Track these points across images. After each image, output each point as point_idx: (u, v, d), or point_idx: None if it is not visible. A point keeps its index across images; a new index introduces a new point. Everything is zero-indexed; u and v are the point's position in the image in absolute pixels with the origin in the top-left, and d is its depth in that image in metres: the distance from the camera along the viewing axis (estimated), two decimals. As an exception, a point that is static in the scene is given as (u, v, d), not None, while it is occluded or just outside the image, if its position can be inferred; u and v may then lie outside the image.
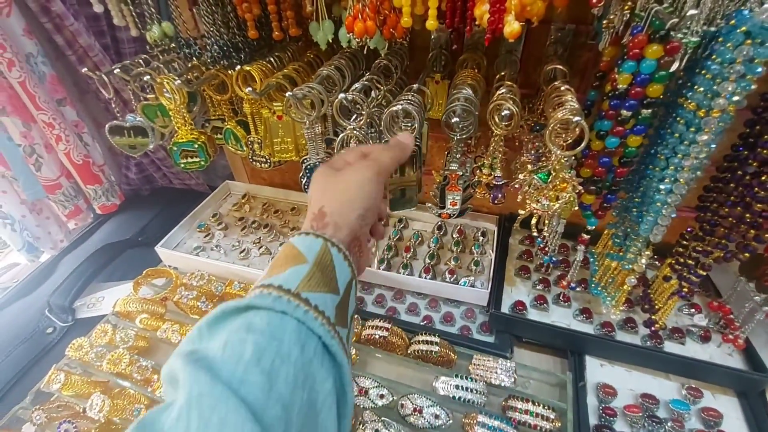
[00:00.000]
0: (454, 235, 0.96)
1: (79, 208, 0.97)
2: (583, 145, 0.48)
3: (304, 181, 0.70)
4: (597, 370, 0.75)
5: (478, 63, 0.71)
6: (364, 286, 0.91)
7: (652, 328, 0.70)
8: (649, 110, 0.48)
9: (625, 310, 0.77)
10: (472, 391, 0.68)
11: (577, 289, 0.81)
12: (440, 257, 0.93)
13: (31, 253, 0.96)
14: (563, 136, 0.53)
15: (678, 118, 0.51)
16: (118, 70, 0.63)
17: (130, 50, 0.95)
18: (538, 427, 0.64)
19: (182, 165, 0.71)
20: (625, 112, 0.48)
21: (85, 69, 0.63)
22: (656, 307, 0.70)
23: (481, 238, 0.95)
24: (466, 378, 0.70)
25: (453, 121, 0.52)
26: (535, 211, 0.53)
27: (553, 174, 0.51)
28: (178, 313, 0.86)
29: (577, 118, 0.46)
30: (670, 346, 0.74)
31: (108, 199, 0.98)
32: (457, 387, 0.68)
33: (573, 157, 0.53)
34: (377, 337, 0.75)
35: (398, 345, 0.76)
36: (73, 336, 0.82)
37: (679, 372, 0.74)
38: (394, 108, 0.52)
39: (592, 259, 0.80)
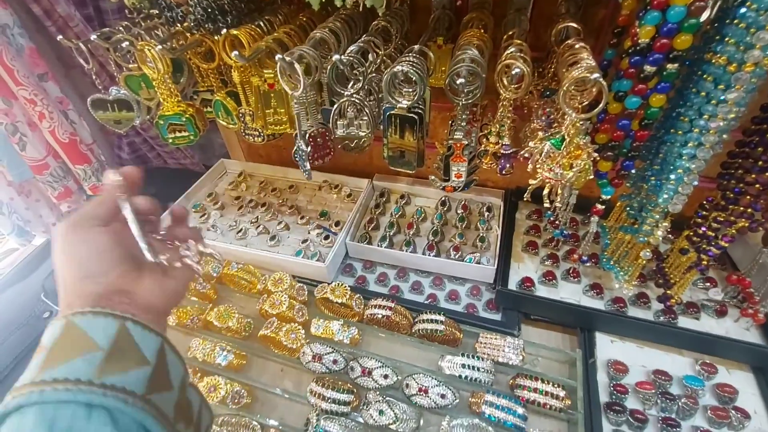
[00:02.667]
0: (459, 211, 0.93)
1: (69, 189, 0.94)
2: (602, 105, 0.43)
3: (296, 158, 0.66)
4: (608, 347, 0.73)
5: (485, 23, 0.65)
6: (366, 264, 0.89)
7: (668, 303, 0.67)
8: (675, 65, 0.43)
9: (638, 285, 0.74)
10: (478, 369, 0.66)
11: (588, 264, 0.78)
12: (444, 234, 0.89)
13: (21, 237, 0.93)
14: (578, 97, 0.49)
15: (705, 75, 0.46)
16: (95, 37, 0.58)
17: (115, 21, 0.90)
18: (548, 406, 0.62)
19: (170, 140, 0.67)
20: (648, 68, 0.43)
21: (61, 37, 0.58)
22: (671, 281, 0.66)
23: (487, 213, 0.91)
24: (473, 357, 0.67)
25: (458, 82, 0.48)
26: (547, 180, 0.49)
27: (568, 140, 0.47)
28: (175, 295, 0.83)
29: (595, 75, 0.41)
30: (684, 321, 0.72)
31: (99, 180, 0.94)
32: (463, 366, 0.66)
33: (588, 122, 0.49)
34: (380, 316, 0.73)
35: (402, 324, 0.73)
36: (68, 320, 0.80)
37: (692, 347, 0.71)
38: (396, 69, 0.47)
39: (603, 233, 0.76)
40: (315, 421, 0.62)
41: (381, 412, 0.61)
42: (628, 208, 0.65)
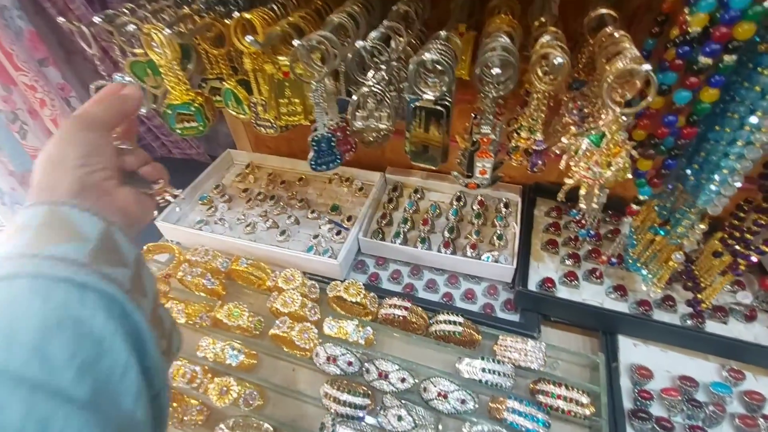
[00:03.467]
0: (475, 207, 0.90)
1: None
2: (650, 98, 0.40)
3: (310, 156, 0.62)
4: (630, 350, 0.70)
5: (512, 9, 0.61)
6: (378, 261, 0.86)
7: (698, 308, 0.64)
8: (733, 56, 0.40)
9: (664, 287, 0.71)
10: (499, 374, 0.63)
11: (606, 265, 0.75)
12: (460, 230, 0.86)
13: (23, 228, 0.90)
14: (619, 91, 0.45)
15: (761, 68, 0.42)
16: (99, 19, 0.54)
17: (118, 3, 0.86)
18: (572, 413, 0.60)
19: (178, 130, 0.64)
20: (704, 59, 0.40)
21: (61, 18, 0.55)
22: (701, 284, 0.64)
23: (504, 209, 0.88)
24: (493, 360, 0.65)
25: (494, 72, 0.44)
26: (584, 180, 0.46)
27: (609, 136, 0.44)
28: (182, 290, 0.81)
29: (645, 67, 0.38)
30: (712, 326, 0.69)
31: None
32: (483, 370, 0.64)
33: (630, 117, 0.45)
34: (396, 316, 0.70)
35: (418, 325, 0.71)
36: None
37: (719, 353, 0.68)
38: (426, 56, 0.44)
39: (629, 233, 0.73)
40: (330, 426, 0.59)
41: (399, 418, 0.59)
42: (659, 208, 0.61)
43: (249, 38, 0.48)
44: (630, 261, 0.70)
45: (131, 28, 0.53)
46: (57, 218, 0.29)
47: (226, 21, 0.57)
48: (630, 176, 0.48)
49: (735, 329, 0.69)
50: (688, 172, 0.53)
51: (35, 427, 0.22)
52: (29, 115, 0.80)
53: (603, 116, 0.47)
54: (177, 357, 0.47)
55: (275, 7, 0.59)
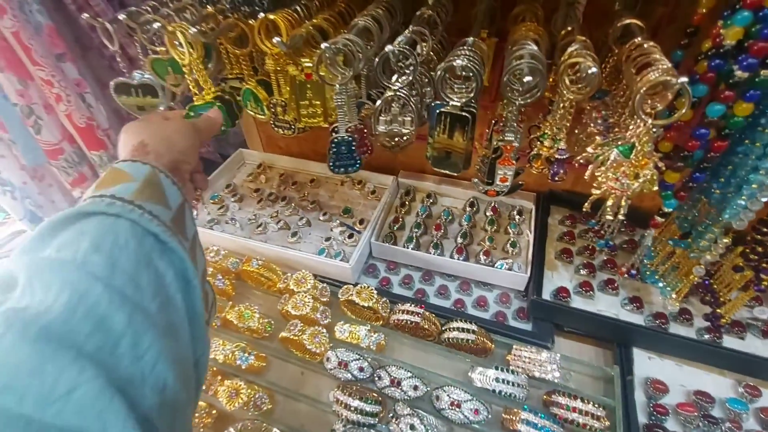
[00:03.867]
0: (488, 213, 0.89)
1: (84, 175, 0.90)
2: (684, 110, 0.39)
3: (330, 157, 0.62)
4: (645, 364, 0.69)
5: (535, 16, 0.61)
6: (390, 265, 0.85)
7: (717, 323, 0.63)
8: (771, 71, 0.39)
9: (682, 301, 0.70)
10: (513, 384, 0.63)
11: (625, 276, 0.74)
12: (473, 237, 0.86)
13: (33, 222, 0.90)
14: (649, 102, 0.45)
15: (795, 83, 0.42)
16: (123, 16, 0.54)
17: (136, 3, 0.86)
18: (587, 426, 0.59)
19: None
20: (740, 73, 0.39)
21: (86, 15, 0.54)
22: (720, 299, 0.63)
23: (518, 216, 0.88)
24: (506, 370, 0.64)
25: (525, 80, 0.44)
26: (612, 191, 0.45)
27: (638, 147, 0.43)
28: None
29: (682, 79, 0.37)
30: (729, 341, 0.68)
31: (115, 167, 0.91)
32: (496, 380, 0.63)
33: (661, 129, 0.45)
34: (408, 322, 0.69)
35: (430, 331, 0.70)
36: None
37: (735, 368, 0.68)
38: (456, 62, 0.43)
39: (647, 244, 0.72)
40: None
41: (412, 427, 0.58)
42: (680, 220, 0.61)
43: (276, 40, 0.47)
44: (647, 273, 0.69)
45: (156, 26, 0.53)
46: (156, 181, 0.34)
47: (250, 21, 0.57)
48: (656, 188, 0.48)
49: (752, 344, 0.68)
50: (715, 185, 0.52)
51: (132, 337, 0.26)
52: (44, 110, 0.79)
53: (631, 127, 0.46)
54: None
55: (299, 9, 0.59)
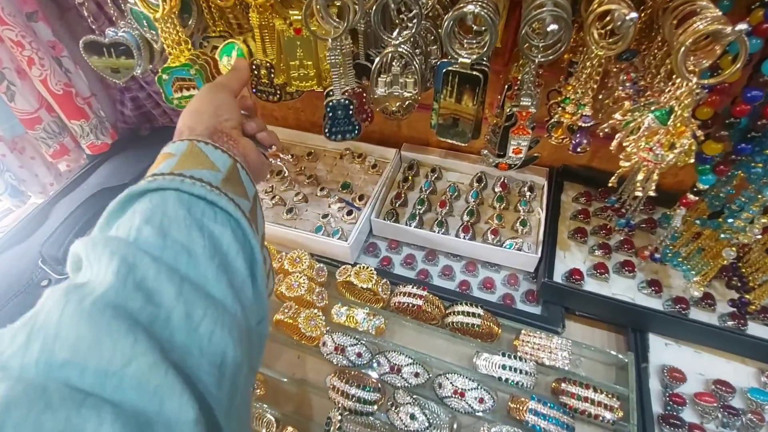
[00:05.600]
0: (496, 189, 0.83)
1: (66, 147, 0.85)
2: (739, 65, 0.33)
3: (326, 123, 0.56)
4: (661, 350, 0.65)
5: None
6: (391, 244, 0.80)
7: (746, 310, 0.58)
8: None
9: (705, 285, 0.65)
10: (520, 371, 0.59)
11: (647, 261, 0.69)
12: (480, 214, 0.80)
13: (15, 197, 0.85)
14: (692, 59, 0.38)
15: None
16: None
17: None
18: (600, 417, 0.55)
19: (175, 101, 0.57)
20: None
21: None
22: (749, 284, 0.58)
23: (528, 193, 0.82)
24: (513, 357, 0.60)
25: (550, 29, 0.37)
26: (645, 162, 0.40)
27: (679, 112, 0.37)
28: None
29: (741, 26, 0.31)
30: (754, 328, 0.63)
31: (97, 137, 0.85)
32: (503, 367, 0.59)
33: (705, 91, 0.38)
34: (410, 305, 0.65)
35: (433, 315, 0.66)
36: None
37: (759, 356, 0.63)
38: (466, 9, 0.37)
39: (667, 222, 0.67)
40: (337, 422, 0.55)
41: (412, 417, 0.55)
42: (711, 198, 0.55)
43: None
44: (669, 255, 0.64)
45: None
46: (196, 151, 0.34)
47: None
48: (691, 160, 0.42)
49: (778, 331, 0.63)
50: (756, 158, 0.46)
51: (183, 309, 0.26)
52: (17, 75, 0.73)
53: (668, 89, 0.40)
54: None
55: (287, -46, 0.51)
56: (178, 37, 0.54)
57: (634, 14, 0.36)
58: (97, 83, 0.94)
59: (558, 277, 0.69)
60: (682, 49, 0.35)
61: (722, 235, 0.54)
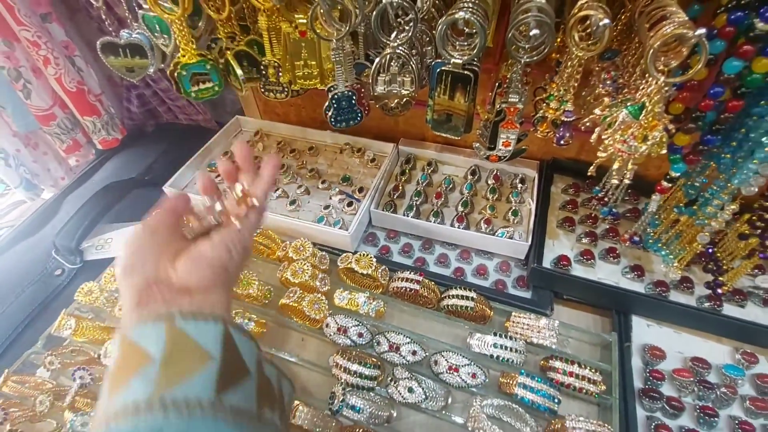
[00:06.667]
0: (490, 182, 0.87)
1: (78, 142, 0.89)
2: (700, 66, 0.37)
3: (329, 114, 0.60)
4: (643, 331, 0.70)
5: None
6: (390, 234, 0.85)
7: (719, 291, 0.63)
8: (795, 22, 0.37)
9: (683, 269, 0.70)
10: (510, 349, 0.63)
11: (627, 244, 0.73)
12: (474, 205, 0.84)
13: (29, 190, 0.89)
14: (662, 59, 0.42)
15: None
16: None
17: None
18: (583, 390, 0.60)
19: (193, 94, 0.61)
20: (762, 25, 0.36)
21: (65, -34, 0.51)
22: (723, 267, 0.62)
23: (520, 185, 0.86)
24: (504, 336, 0.64)
25: (532, 34, 0.41)
26: (619, 153, 0.44)
27: (649, 107, 0.41)
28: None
29: (700, 31, 0.35)
30: (729, 309, 0.68)
31: (108, 133, 0.89)
32: (494, 345, 0.63)
33: (673, 88, 0.42)
34: (407, 289, 0.69)
35: (429, 299, 0.70)
36: (82, 279, 0.77)
37: (733, 336, 0.68)
38: (458, 15, 0.41)
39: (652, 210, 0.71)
40: (341, 395, 0.60)
41: (410, 390, 0.59)
42: (687, 187, 0.59)
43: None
44: (650, 241, 0.68)
45: (139, -22, 0.50)
46: (179, 339, 0.27)
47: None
48: (664, 151, 0.46)
49: (752, 313, 0.68)
50: (725, 149, 0.50)
51: None
52: (33, 74, 0.77)
53: (642, 86, 0.44)
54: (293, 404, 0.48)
55: (292, -40, 0.55)
56: (186, 38, 0.57)
57: (607, 20, 0.40)
58: (104, 81, 0.97)
59: (547, 263, 0.73)
60: (651, 50, 0.39)
61: (697, 222, 0.58)
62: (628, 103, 0.43)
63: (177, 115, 1.12)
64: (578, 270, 0.73)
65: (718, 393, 0.62)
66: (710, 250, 0.65)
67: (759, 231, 0.56)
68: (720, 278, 0.62)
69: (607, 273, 0.72)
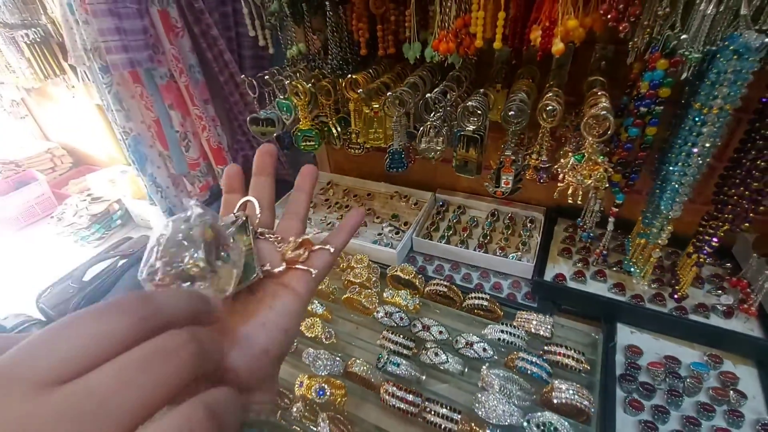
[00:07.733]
0: (506, 221, 1.13)
1: (208, 183, 1.26)
2: (609, 132, 0.64)
3: (386, 161, 0.91)
4: (627, 336, 0.88)
5: (533, 75, 0.89)
6: (426, 257, 1.10)
7: (675, 296, 0.82)
8: (661, 107, 0.64)
9: (656, 287, 0.89)
10: (514, 336, 0.84)
11: (614, 268, 0.94)
12: (492, 238, 1.09)
13: (170, 214, 1.25)
14: (596, 128, 0.70)
15: (689, 116, 0.65)
16: (267, 76, 0.88)
17: (249, 64, 1.24)
18: (570, 366, 0.78)
19: (302, 146, 0.96)
20: (642, 109, 0.64)
21: (243, 76, 0.89)
22: (681, 280, 0.82)
23: (530, 224, 1.11)
24: (511, 326, 0.86)
25: (510, 114, 0.71)
26: (571, 183, 0.70)
27: (587, 156, 0.68)
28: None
29: (604, 112, 0.63)
30: (695, 319, 0.85)
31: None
32: (502, 331, 0.84)
33: (603, 145, 0.69)
34: (438, 291, 0.93)
35: (455, 300, 0.93)
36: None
37: (702, 341, 0.84)
38: (468, 103, 0.72)
39: (627, 243, 0.93)
40: (386, 357, 0.82)
41: (436, 354, 0.81)
42: (644, 218, 0.82)
43: (360, 91, 0.78)
44: (626, 263, 0.90)
45: (286, 82, 0.86)
46: None
47: (339, 80, 0.89)
48: (607, 185, 0.72)
49: (715, 323, 0.85)
50: (657, 189, 0.74)
51: None
52: (193, 136, 1.16)
53: (585, 144, 0.71)
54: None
55: (371, 71, 0.90)
56: (306, 113, 0.93)
57: (551, 106, 0.68)
58: (232, 143, 1.37)
59: (547, 278, 0.95)
60: (584, 121, 0.67)
61: (650, 241, 0.80)
62: (577, 154, 0.70)
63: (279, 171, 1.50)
64: (572, 286, 0.94)
65: (686, 383, 0.78)
66: (674, 268, 0.86)
67: (697, 249, 0.77)
68: (676, 287, 0.82)
69: (596, 289, 0.93)
